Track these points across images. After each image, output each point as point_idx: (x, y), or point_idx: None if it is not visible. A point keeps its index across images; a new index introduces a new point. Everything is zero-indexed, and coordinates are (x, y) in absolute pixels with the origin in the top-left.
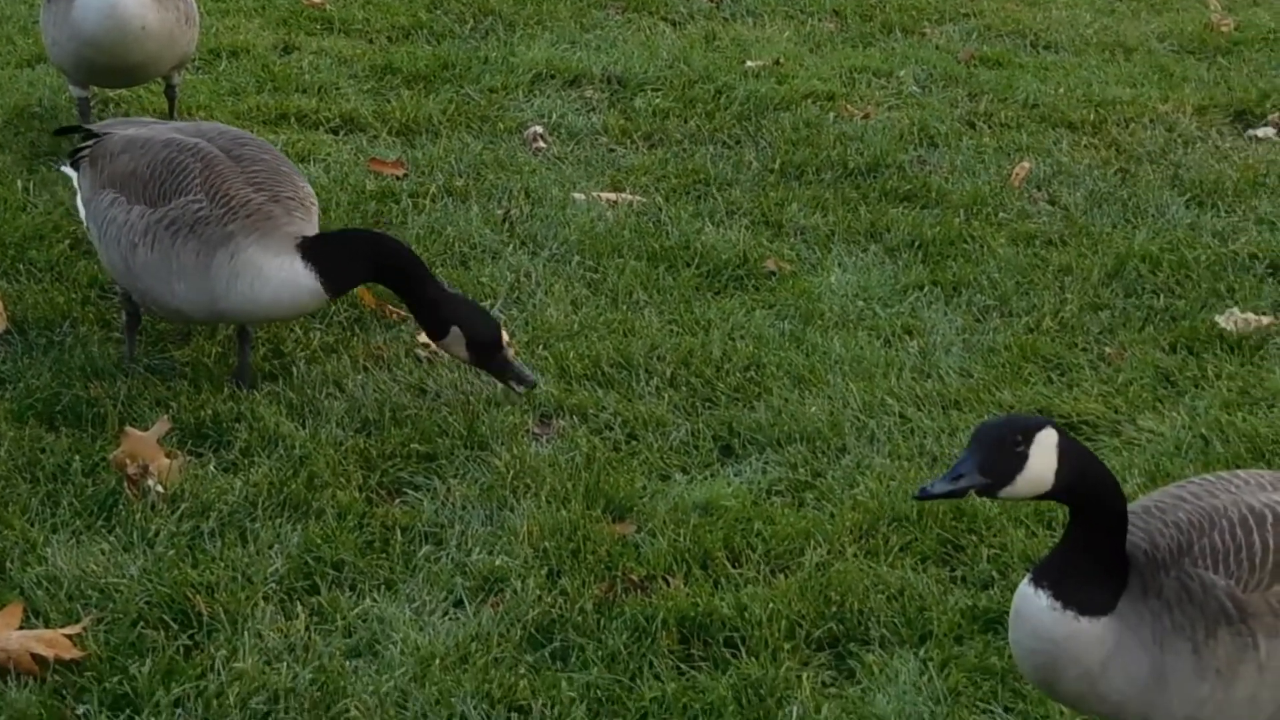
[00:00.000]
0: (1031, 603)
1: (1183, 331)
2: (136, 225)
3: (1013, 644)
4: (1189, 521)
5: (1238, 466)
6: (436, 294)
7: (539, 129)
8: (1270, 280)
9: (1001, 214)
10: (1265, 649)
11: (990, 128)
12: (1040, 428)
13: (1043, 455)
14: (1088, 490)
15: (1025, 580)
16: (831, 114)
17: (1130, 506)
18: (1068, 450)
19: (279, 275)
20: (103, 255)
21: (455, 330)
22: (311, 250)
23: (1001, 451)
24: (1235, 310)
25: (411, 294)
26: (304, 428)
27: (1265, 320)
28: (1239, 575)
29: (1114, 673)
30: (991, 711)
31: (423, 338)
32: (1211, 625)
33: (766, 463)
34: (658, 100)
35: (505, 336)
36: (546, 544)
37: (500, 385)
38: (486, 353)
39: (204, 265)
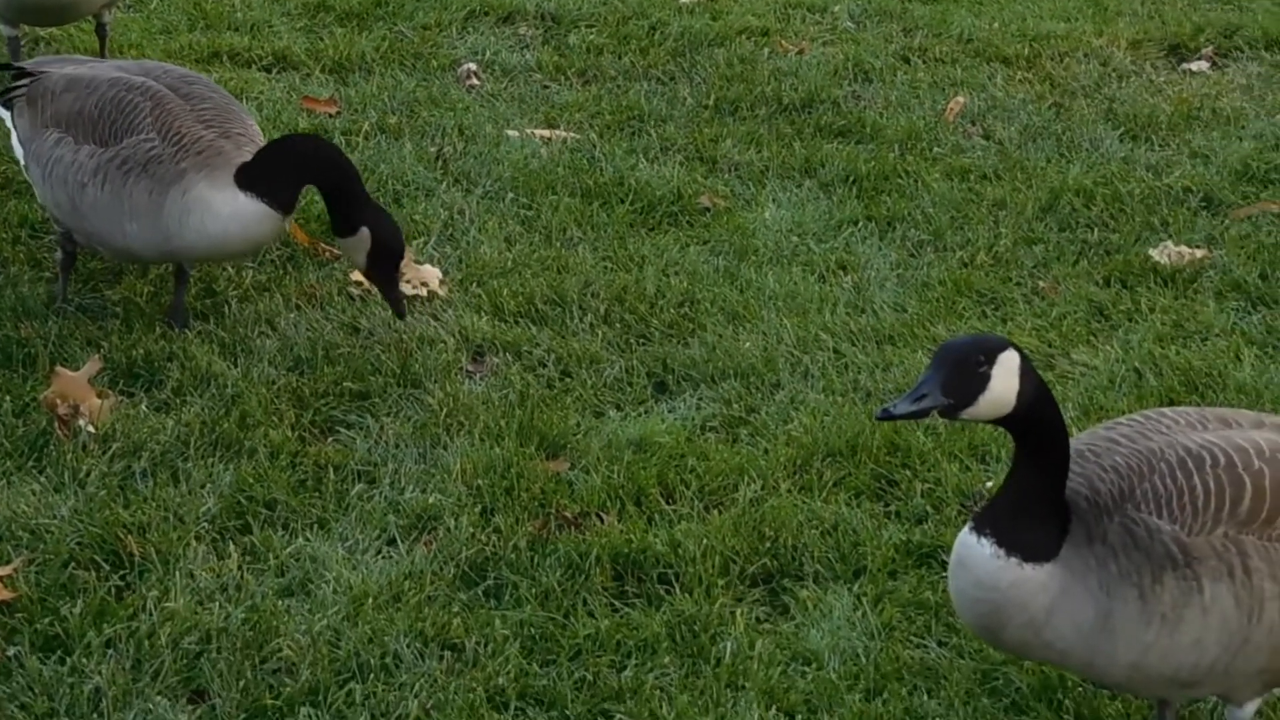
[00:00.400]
0: (974, 551)
1: (1116, 265)
2: (86, 165)
3: (955, 594)
4: (1128, 466)
5: (1171, 399)
6: (360, 194)
7: (473, 66)
8: (1204, 213)
9: (936, 149)
10: (1209, 592)
11: (925, 63)
12: (1003, 348)
13: (1005, 376)
14: (1041, 417)
15: (966, 528)
16: (766, 49)
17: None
18: (1029, 372)
19: (226, 209)
20: (45, 195)
21: (364, 231)
22: (247, 176)
23: (964, 371)
24: (1169, 243)
25: (336, 189)
26: (236, 367)
27: (1199, 253)
28: (1183, 520)
29: (1059, 620)
30: (925, 646)
31: (355, 275)
32: (1158, 570)
33: (700, 399)
34: (592, 36)
35: (408, 257)
36: (480, 481)
37: (435, 323)
38: (385, 262)
39: (157, 204)
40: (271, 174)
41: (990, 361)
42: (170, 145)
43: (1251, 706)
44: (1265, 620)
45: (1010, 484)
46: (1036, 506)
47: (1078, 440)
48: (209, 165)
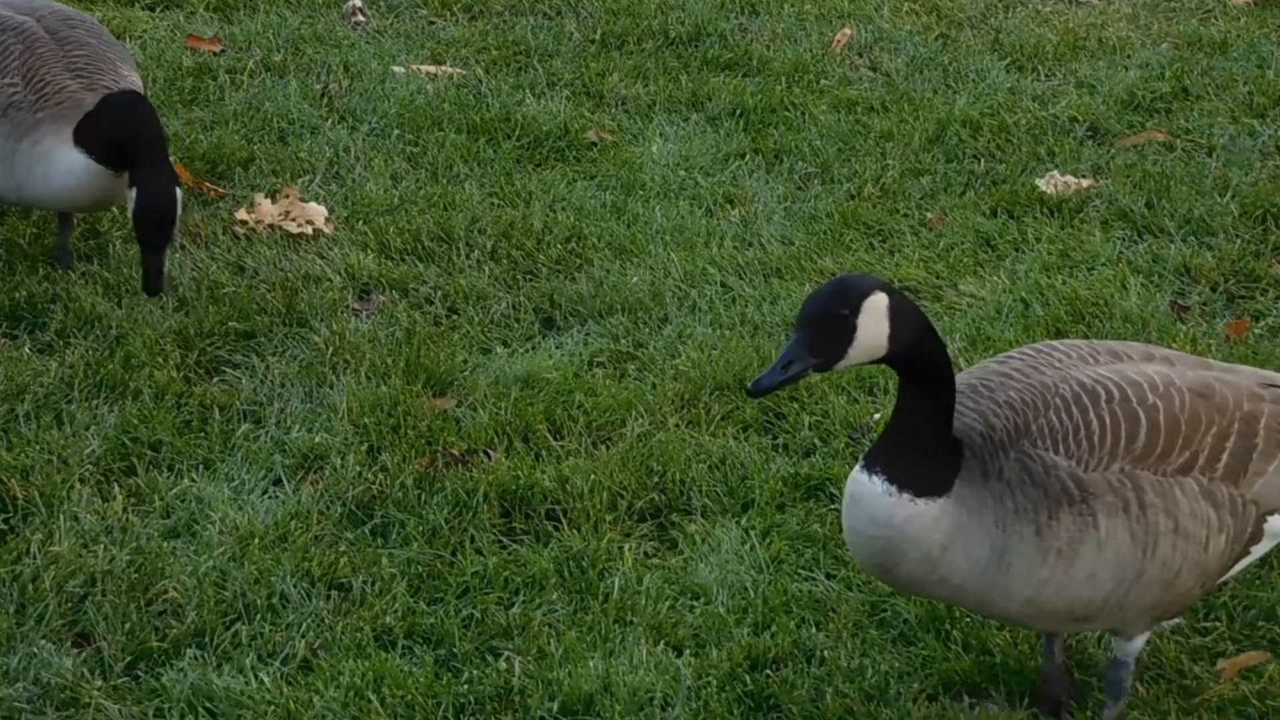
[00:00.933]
0: (866, 488)
1: (1003, 195)
2: None
3: (848, 532)
4: (1023, 401)
5: (1058, 329)
6: (146, 156)
7: (358, 3)
8: (1090, 143)
9: (823, 81)
10: (1105, 528)
11: None
12: (868, 292)
13: (873, 321)
14: (921, 354)
15: (858, 466)
16: None
17: (956, 385)
18: (900, 309)
19: (62, 164)
20: None
21: (132, 193)
22: (82, 132)
23: (829, 326)
24: (1055, 173)
25: (137, 146)
26: (120, 308)
27: (1085, 183)
28: (1079, 455)
29: (955, 555)
30: (813, 578)
31: (241, 214)
32: (1054, 506)
33: (588, 334)
34: None
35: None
36: (366, 420)
37: (321, 262)
38: (140, 228)
39: (10, 150)
40: (97, 131)
41: (855, 310)
42: (32, 93)
43: (1140, 640)
44: (1159, 555)
45: (897, 419)
46: (926, 442)
47: (970, 374)
48: (62, 118)
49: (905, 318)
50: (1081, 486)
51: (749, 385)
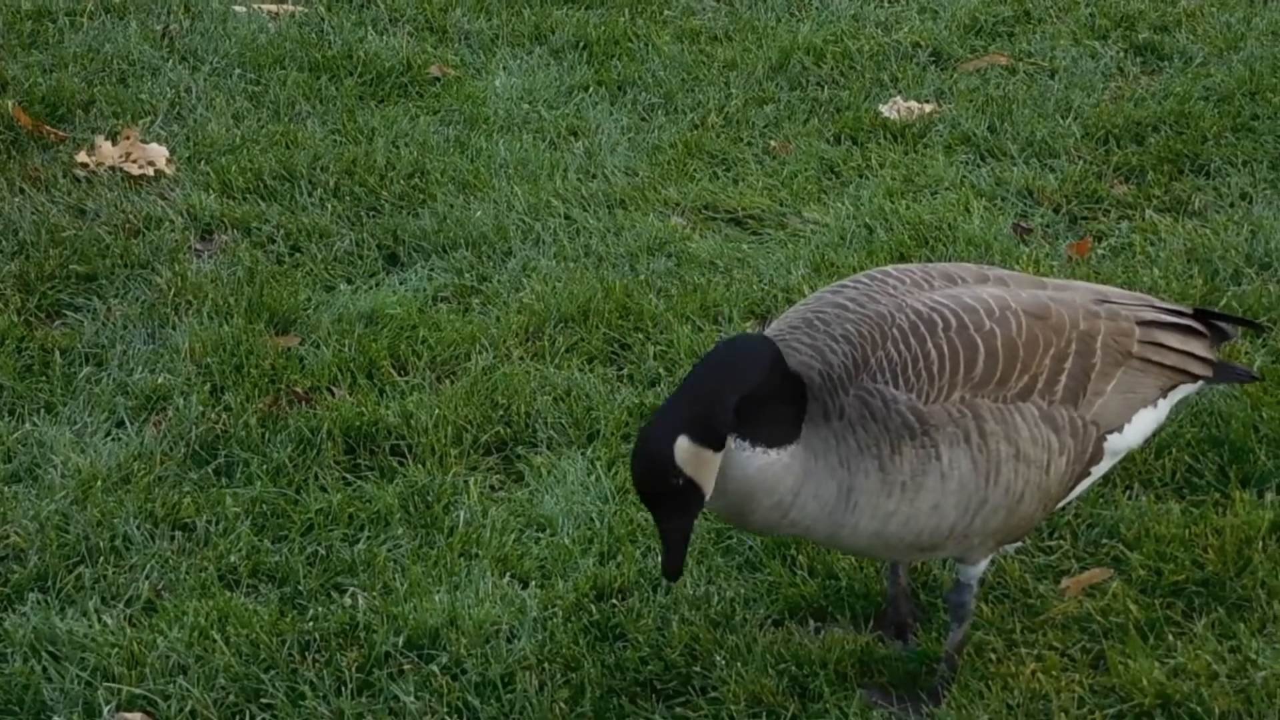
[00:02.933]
0: None
1: (847, 122)
2: None
3: None
4: (859, 334)
5: (902, 254)
6: None
7: None
8: (932, 68)
9: (666, 12)
10: (947, 458)
11: None
12: (669, 451)
13: (696, 462)
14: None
15: None
16: None
17: (791, 320)
18: (706, 431)
19: None
20: None
21: None
22: None
23: (673, 498)
24: (899, 99)
25: None
26: None
27: (928, 108)
28: (919, 387)
29: (805, 498)
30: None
31: (81, 156)
32: (896, 440)
33: (432, 269)
34: None
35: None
36: (209, 360)
37: (163, 203)
38: None
39: None
40: None
41: (678, 473)
42: None
43: (984, 564)
44: (1001, 482)
45: None
46: (774, 398)
47: (806, 306)
48: None
49: (712, 428)
50: (922, 419)
51: (664, 576)
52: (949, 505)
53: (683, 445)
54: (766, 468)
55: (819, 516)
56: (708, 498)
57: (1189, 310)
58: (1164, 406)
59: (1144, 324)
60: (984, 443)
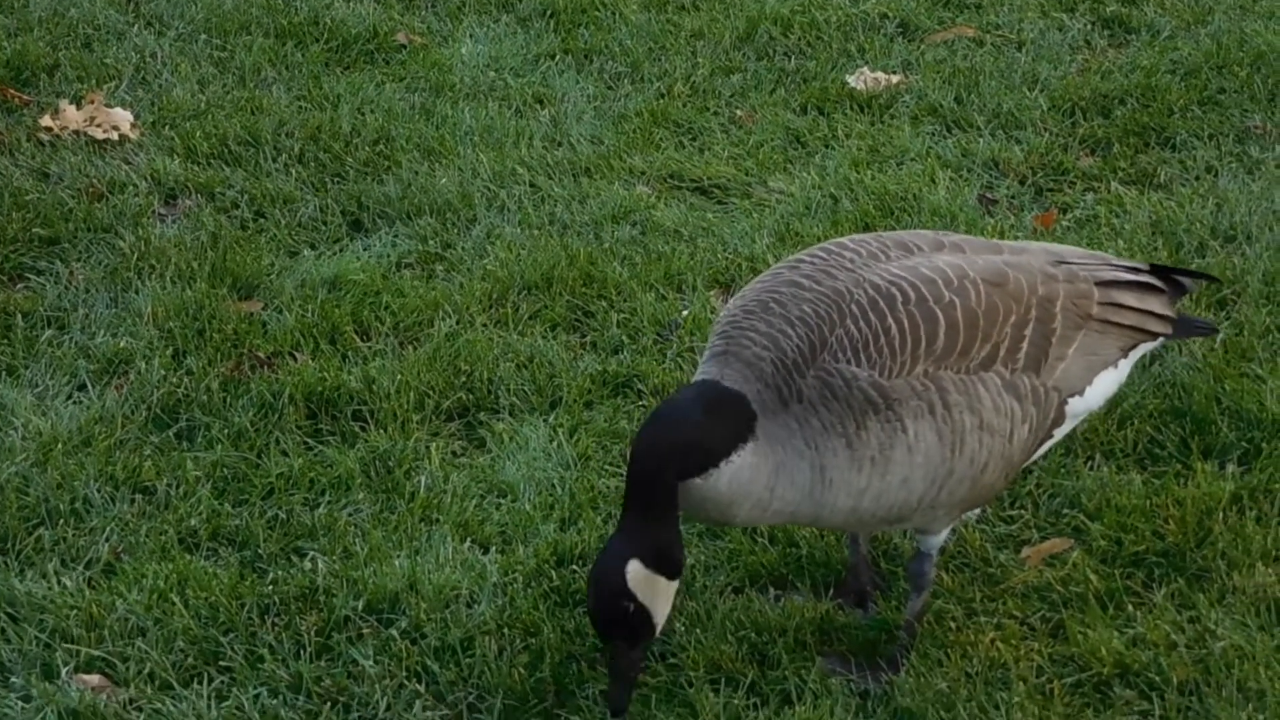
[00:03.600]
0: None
1: (814, 92)
2: None
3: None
4: (815, 314)
5: (867, 224)
6: None
7: None
8: (900, 39)
9: None
10: (913, 430)
11: None
12: (623, 577)
13: (650, 588)
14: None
15: None
16: None
17: (748, 302)
18: (659, 559)
19: None
20: None
21: None
22: None
23: (629, 624)
24: (865, 70)
25: None
26: None
27: (895, 79)
28: (880, 363)
29: (782, 488)
30: (620, 475)
31: (45, 121)
32: (860, 417)
33: (396, 236)
34: None
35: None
36: (172, 324)
37: (127, 167)
38: None
39: None
40: None
41: (630, 597)
42: None
43: (944, 533)
44: (966, 452)
45: None
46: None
47: (761, 286)
48: None
49: (664, 549)
50: (884, 394)
51: (611, 712)
52: (917, 477)
53: (635, 569)
54: (735, 476)
55: (800, 500)
56: (658, 630)
57: (1145, 267)
58: (1125, 366)
59: (1102, 284)
60: (948, 414)
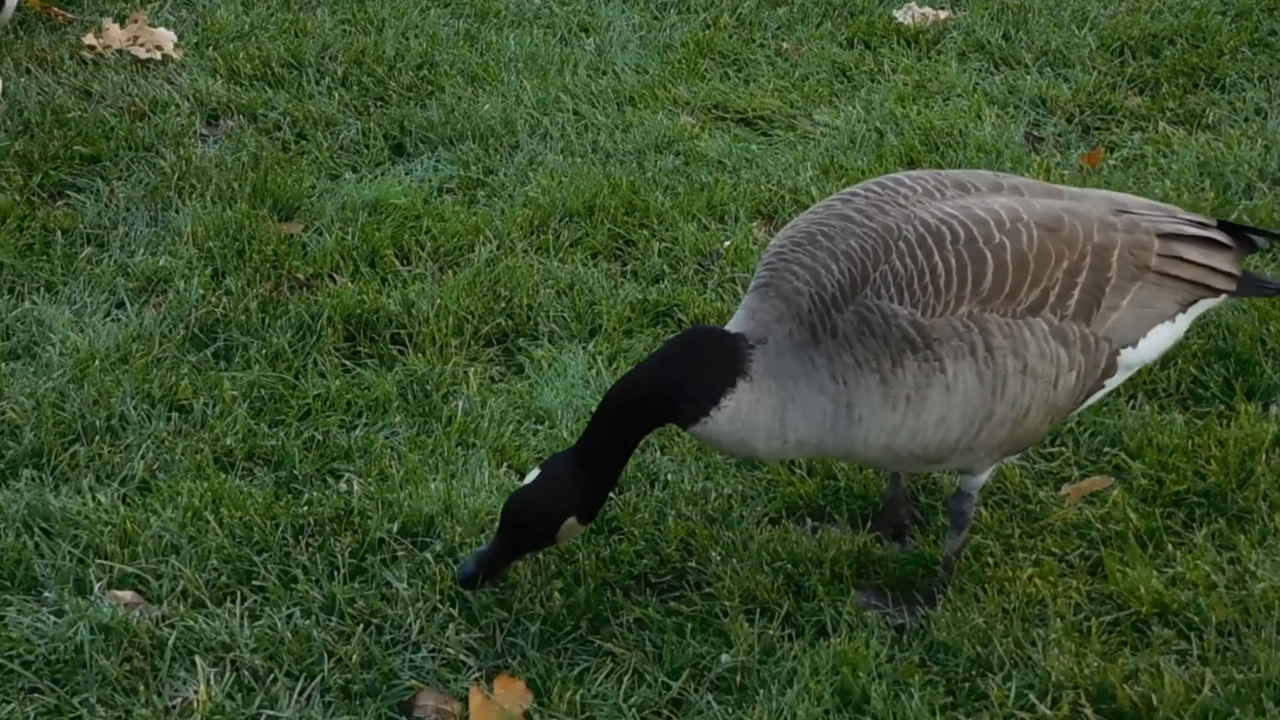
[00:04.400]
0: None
1: (860, 26)
2: None
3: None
4: (861, 250)
5: (911, 159)
6: None
7: None
8: None
9: None
10: (952, 371)
11: None
12: (554, 528)
13: (569, 533)
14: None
15: None
16: None
17: (796, 233)
18: (591, 513)
19: None
20: None
21: None
22: None
23: (529, 545)
24: (913, 5)
25: None
26: None
27: (943, 14)
28: (923, 301)
29: (794, 420)
30: None
31: (88, 39)
32: (897, 354)
33: (438, 161)
34: None
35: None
36: (211, 244)
37: (169, 87)
38: None
39: None
40: None
41: (550, 538)
42: None
43: (986, 474)
44: (1008, 396)
45: None
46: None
47: (813, 217)
48: None
49: (594, 502)
50: (923, 332)
51: (460, 577)
52: (955, 418)
53: (569, 525)
54: (734, 416)
55: (823, 434)
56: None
57: (1213, 223)
58: (1183, 322)
59: (1164, 236)
60: (990, 357)
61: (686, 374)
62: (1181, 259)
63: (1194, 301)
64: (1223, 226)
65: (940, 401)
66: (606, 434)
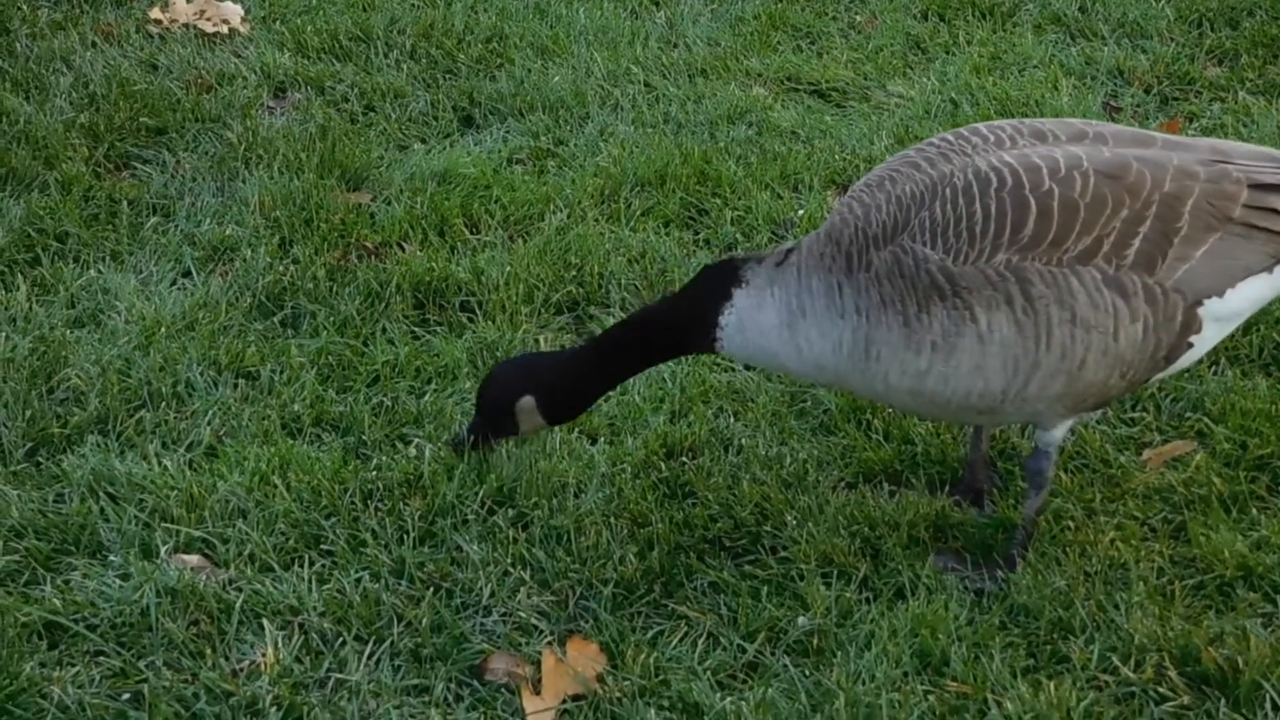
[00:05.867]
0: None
1: (934, 0)
2: None
3: None
4: (911, 195)
5: None
6: None
7: None
8: None
9: None
10: (985, 321)
11: None
12: (509, 404)
13: (530, 421)
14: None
15: None
16: None
17: (872, 177)
18: (551, 399)
19: None
20: None
21: None
22: None
23: (496, 426)
24: None
25: None
26: (29, 103)
27: None
28: (956, 248)
29: (808, 336)
30: (733, 369)
31: (155, 13)
32: (924, 300)
33: (508, 132)
34: None
35: None
36: (279, 213)
37: (236, 60)
38: None
39: None
40: None
41: (509, 411)
42: None
43: (1061, 430)
44: (1055, 346)
45: None
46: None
47: (889, 163)
48: None
49: (562, 398)
50: (952, 280)
51: (452, 443)
52: (993, 368)
53: (526, 407)
54: (740, 326)
55: (839, 361)
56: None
57: None
58: (1274, 273)
59: (1258, 186)
60: (1030, 306)
61: (687, 302)
62: (1274, 210)
63: None
64: None
65: (973, 350)
66: (626, 340)
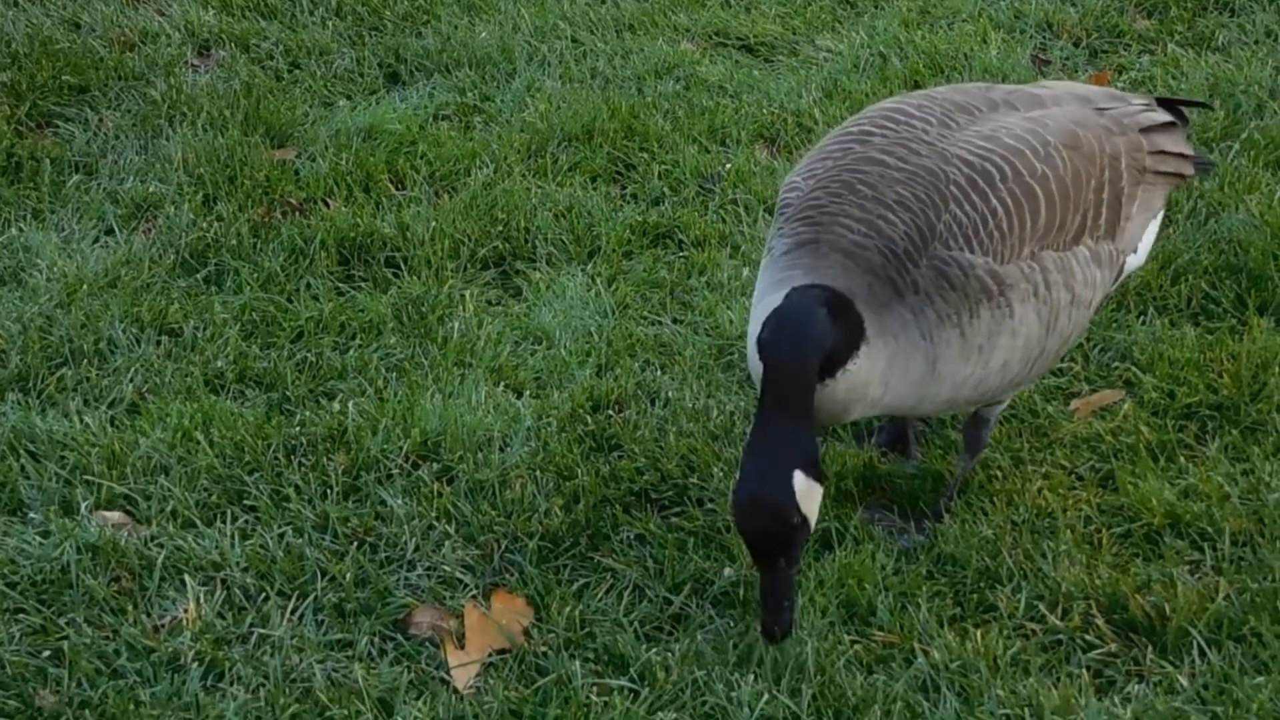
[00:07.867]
0: None
1: None
2: None
3: None
4: (915, 197)
5: (916, 82)
6: None
7: None
8: None
9: None
10: (1018, 314)
11: None
12: (792, 498)
13: (812, 501)
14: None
15: None
16: None
17: (826, 179)
18: (814, 468)
19: None
20: None
21: None
22: None
23: (795, 544)
24: None
25: None
26: None
27: None
28: (992, 248)
29: (895, 382)
30: (659, 323)
31: None
32: (974, 306)
33: (434, 88)
34: None
35: None
36: (202, 170)
37: (160, 19)
38: None
39: None
40: None
41: (797, 511)
42: None
43: (1008, 399)
44: (1059, 330)
45: None
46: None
47: (834, 161)
48: None
49: (814, 454)
50: (999, 280)
51: (768, 636)
52: (1015, 360)
53: (799, 482)
54: (853, 380)
55: (908, 393)
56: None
57: (1153, 101)
58: (1161, 214)
59: (1144, 131)
60: (1049, 294)
61: (832, 333)
62: (1165, 152)
63: (1171, 191)
64: (1161, 104)
65: (1006, 346)
66: (790, 386)
